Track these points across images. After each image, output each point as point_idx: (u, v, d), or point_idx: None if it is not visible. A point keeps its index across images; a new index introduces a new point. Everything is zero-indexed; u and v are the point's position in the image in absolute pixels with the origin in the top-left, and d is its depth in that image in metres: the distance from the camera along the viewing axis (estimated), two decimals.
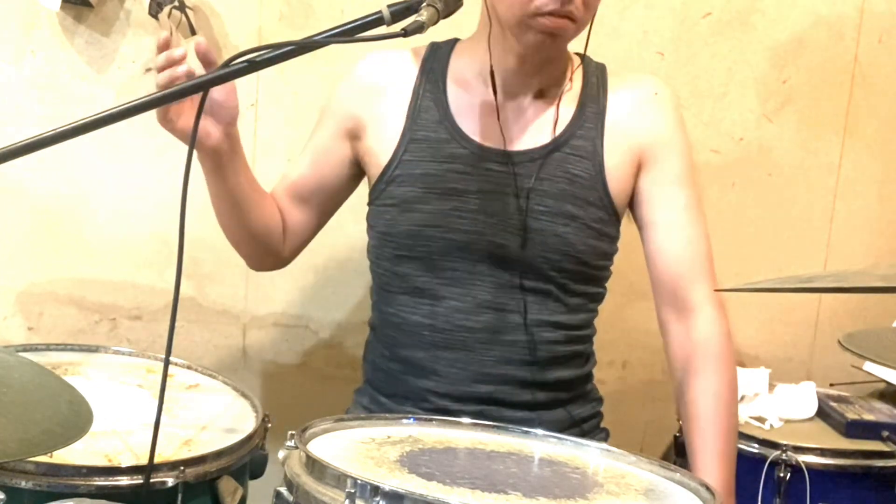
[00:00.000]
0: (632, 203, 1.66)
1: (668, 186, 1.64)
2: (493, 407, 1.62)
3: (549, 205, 1.59)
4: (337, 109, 1.71)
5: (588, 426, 1.71)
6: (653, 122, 1.65)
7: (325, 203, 1.74)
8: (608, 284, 1.71)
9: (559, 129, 1.62)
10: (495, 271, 1.61)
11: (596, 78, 1.66)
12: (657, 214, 1.64)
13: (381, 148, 1.65)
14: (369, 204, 1.69)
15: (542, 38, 1.53)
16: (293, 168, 1.74)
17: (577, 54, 1.69)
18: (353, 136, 1.68)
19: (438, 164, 1.61)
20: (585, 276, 1.65)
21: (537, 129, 1.62)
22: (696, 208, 1.65)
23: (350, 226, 1.87)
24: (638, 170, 1.64)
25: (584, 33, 1.60)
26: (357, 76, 1.70)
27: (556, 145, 1.61)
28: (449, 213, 1.60)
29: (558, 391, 1.66)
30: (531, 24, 1.51)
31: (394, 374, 1.68)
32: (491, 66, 1.59)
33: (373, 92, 1.68)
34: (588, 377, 1.73)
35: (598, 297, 1.71)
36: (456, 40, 1.70)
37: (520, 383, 1.63)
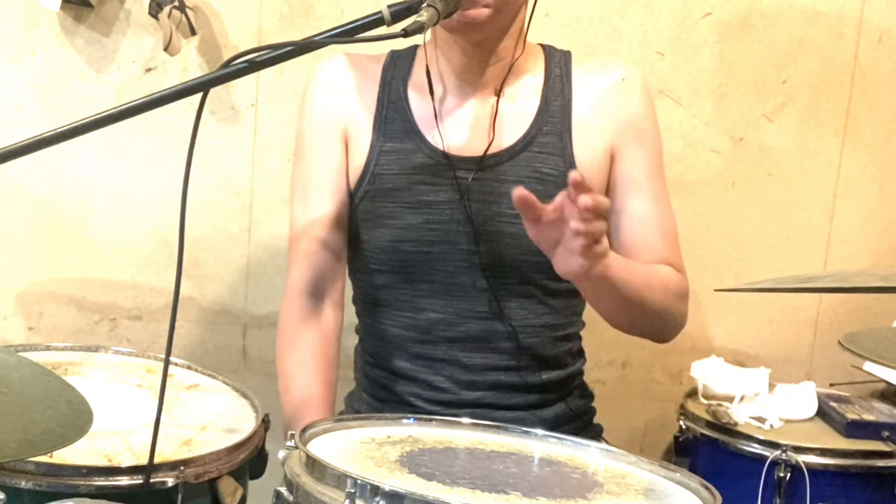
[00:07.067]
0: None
1: (640, 177, 1.60)
2: (484, 409, 1.60)
3: None
4: (323, 122, 1.65)
5: (581, 422, 1.69)
6: (622, 110, 1.60)
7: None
8: None
9: (524, 128, 1.58)
10: (474, 280, 1.58)
11: (560, 69, 1.62)
12: (628, 205, 1.59)
13: (354, 162, 1.63)
14: None
15: (464, 27, 1.48)
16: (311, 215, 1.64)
17: (541, 45, 1.65)
18: (345, 140, 1.64)
19: (407, 177, 1.59)
20: None
21: (502, 130, 1.58)
22: (665, 199, 1.63)
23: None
24: (612, 160, 1.60)
25: (522, 17, 1.56)
26: (326, 79, 1.66)
27: (523, 145, 1.58)
28: (420, 226, 1.58)
29: (548, 392, 1.65)
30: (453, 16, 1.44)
31: (380, 381, 1.67)
32: (427, 71, 1.57)
33: (346, 93, 1.65)
34: (578, 374, 1.71)
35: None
36: (416, 47, 1.65)
37: (509, 388, 1.62)
